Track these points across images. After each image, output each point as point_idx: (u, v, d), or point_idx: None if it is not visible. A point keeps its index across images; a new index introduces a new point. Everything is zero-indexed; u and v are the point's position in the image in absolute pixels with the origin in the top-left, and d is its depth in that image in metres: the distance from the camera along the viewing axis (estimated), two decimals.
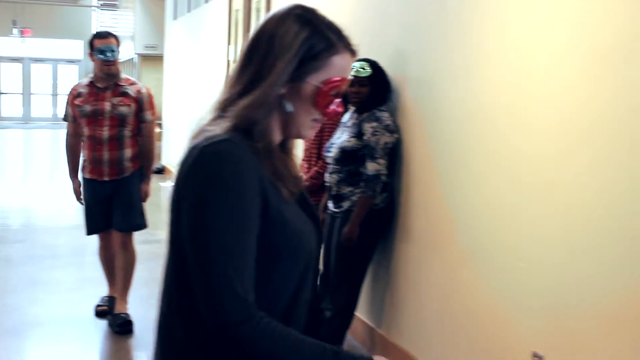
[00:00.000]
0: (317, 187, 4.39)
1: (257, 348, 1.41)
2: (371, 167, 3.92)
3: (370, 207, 3.97)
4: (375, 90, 4.06)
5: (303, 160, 4.82)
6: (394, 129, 4.02)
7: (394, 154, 4.10)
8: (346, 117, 4.21)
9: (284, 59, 1.50)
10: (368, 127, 3.95)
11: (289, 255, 1.52)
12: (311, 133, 1.61)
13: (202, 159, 1.46)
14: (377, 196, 3.97)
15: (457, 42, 3.60)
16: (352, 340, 4.56)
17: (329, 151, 4.14)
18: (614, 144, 2.62)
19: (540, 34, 3.01)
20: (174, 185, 1.52)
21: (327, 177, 4.14)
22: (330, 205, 4.17)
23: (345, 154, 4.00)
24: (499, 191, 3.26)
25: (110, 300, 5.01)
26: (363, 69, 4.04)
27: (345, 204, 4.03)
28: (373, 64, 4.09)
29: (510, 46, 3.21)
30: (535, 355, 3.00)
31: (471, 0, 3.50)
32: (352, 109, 4.18)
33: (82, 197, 4.91)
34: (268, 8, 6.68)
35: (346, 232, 3.95)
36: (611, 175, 2.63)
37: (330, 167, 4.12)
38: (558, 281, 2.90)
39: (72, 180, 4.91)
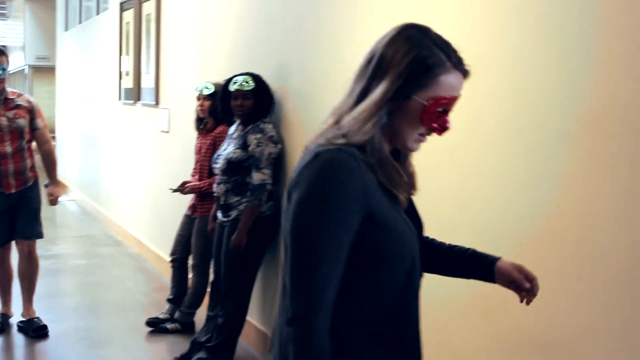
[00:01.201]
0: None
1: (296, 350, 1.51)
2: (257, 177, 4.09)
3: (257, 215, 4.13)
4: (258, 103, 4.23)
5: (193, 174, 4.95)
6: (278, 140, 4.21)
7: (279, 164, 4.28)
8: (232, 129, 4.37)
9: (391, 77, 1.59)
10: (253, 139, 4.12)
11: (392, 255, 1.60)
12: (417, 147, 1.67)
13: (313, 162, 1.56)
14: (263, 204, 4.14)
15: (332, 56, 3.80)
16: (246, 345, 4.70)
17: (216, 163, 4.29)
18: (481, 157, 2.84)
19: None
20: (290, 181, 1.63)
21: (215, 187, 4.28)
22: (219, 214, 4.31)
23: (232, 165, 4.15)
24: None
25: (4, 317, 5.00)
26: (246, 82, 4.20)
27: (233, 213, 4.18)
28: (256, 78, 4.26)
29: None
30: None
31: (342, 19, 3.71)
32: (237, 121, 4.35)
33: None
34: (158, 21, 6.75)
35: (234, 240, 4.10)
36: (478, 186, 2.86)
37: (218, 178, 4.26)
38: (430, 279, 3.12)
39: None
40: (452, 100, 1.61)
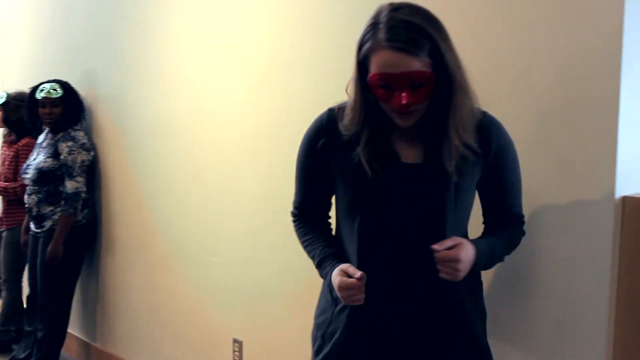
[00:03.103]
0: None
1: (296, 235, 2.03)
2: (70, 185, 4.03)
3: (72, 223, 4.07)
4: (68, 110, 4.17)
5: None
6: (90, 147, 4.16)
7: (92, 171, 4.24)
8: (41, 138, 4.27)
9: (355, 59, 1.71)
10: (64, 147, 4.05)
11: (346, 210, 1.85)
12: (403, 122, 1.73)
13: None
14: (78, 213, 4.08)
15: (141, 61, 3.83)
16: (68, 357, 4.60)
17: (26, 173, 4.17)
18: (282, 155, 2.99)
19: (210, 62, 3.34)
20: None
21: (27, 198, 4.16)
22: (32, 226, 4.19)
23: (43, 175, 4.06)
24: (192, 198, 3.54)
25: None
26: (54, 90, 4.13)
27: (47, 224, 4.09)
28: (64, 85, 4.20)
29: (185, 71, 3.51)
30: (235, 340, 3.33)
31: (149, 23, 3.76)
32: (46, 129, 4.26)
33: None
34: None
35: (50, 251, 4.01)
36: (285, 183, 3.01)
37: (29, 189, 4.14)
38: (248, 274, 3.24)
39: None
40: (385, 76, 1.64)
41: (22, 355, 4.26)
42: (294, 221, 2.04)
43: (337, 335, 1.86)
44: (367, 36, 1.66)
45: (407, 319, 1.81)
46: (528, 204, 2.01)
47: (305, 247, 1.99)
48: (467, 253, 1.71)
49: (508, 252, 1.91)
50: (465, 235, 1.85)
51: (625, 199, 1.93)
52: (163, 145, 3.73)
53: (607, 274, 1.93)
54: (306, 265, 2.91)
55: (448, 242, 1.69)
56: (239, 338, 3.30)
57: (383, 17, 1.64)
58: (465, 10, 2.25)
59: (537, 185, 2.06)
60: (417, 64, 1.62)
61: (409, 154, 1.78)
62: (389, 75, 1.63)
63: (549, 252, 2.05)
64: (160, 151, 3.75)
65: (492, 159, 1.80)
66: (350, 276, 1.73)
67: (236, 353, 3.32)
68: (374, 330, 1.83)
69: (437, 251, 1.68)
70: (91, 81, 4.30)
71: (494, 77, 2.17)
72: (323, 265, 1.88)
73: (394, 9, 1.66)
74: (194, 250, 3.58)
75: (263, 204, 3.13)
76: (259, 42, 3.09)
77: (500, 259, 1.88)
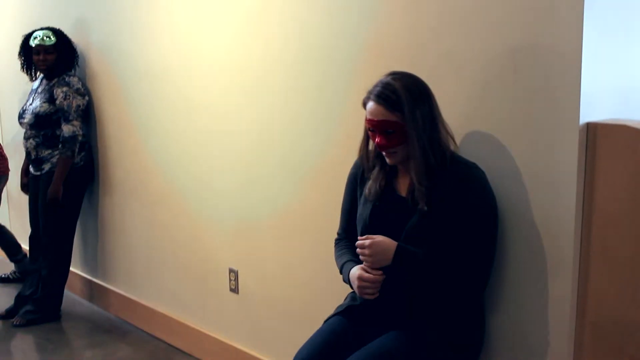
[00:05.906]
0: None
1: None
2: (67, 129, 4.17)
3: (70, 166, 4.23)
4: (61, 57, 4.28)
5: None
6: (85, 92, 4.29)
7: (87, 116, 4.37)
8: (36, 84, 4.39)
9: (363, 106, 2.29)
10: (59, 92, 4.18)
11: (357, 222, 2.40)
12: (388, 160, 2.25)
13: None
14: (75, 155, 4.23)
15: (131, 9, 3.93)
16: (71, 294, 4.80)
17: (22, 117, 4.30)
18: (271, 102, 3.14)
19: (201, 5, 3.47)
20: None
21: (25, 143, 4.31)
22: (32, 169, 4.35)
23: (40, 119, 4.20)
24: (187, 138, 3.68)
25: None
26: (48, 37, 4.23)
27: (46, 166, 4.25)
28: (57, 32, 4.30)
29: (176, 15, 3.61)
30: (231, 270, 3.51)
31: None
32: (40, 75, 4.38)
33: None
34: None
35: (51, 192, 4.18)
36: (270, 124, 3.17)
37: (27, 133, 4.29)
38: (240, 205, 3.41)
39: None
40: (369, 121, 2.20)
41: (27, 293, 4.44)
42: (335, 245, 2.52)
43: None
44: (369, 90, 2.21)
45: (393, 306, 2.29)
46: (497, 135, 2.17)
47: (336, 262, 2.45)
48: (377, 244, 2.17)
49: (441, 272, 2.20)
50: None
51: (589, 125, 2.06)
52: (156, 89, 3.86)
53: (573, 198, 2.08)
54: (293, 196, 3.11)
55: (370, 236, 2.19)
56: (235, 268, 3.48)
57: (382, 79, 2.20)
58: None
59: (505, 114, 2.21)
60: (390, 116, 2.15)
61: (403, 188, 2.29)
62: (371, 120, 2.19)
63: (516, 178, 2.20)
64: (154, 94, 3.88)
65: (450, 200, 2.17)
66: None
67: (232, 282, 3.50)
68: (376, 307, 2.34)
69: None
70: (83, 29, 4.40)
71: (466, 13, 2.31)
72: (344, 268, 2.36)
73: (392, 74, 2.21)
74: (189, 187, 3.73)
75: (251, 142, 3.29)
76: (252, 19, 3.18)
77: (428, 271, 2.19)
